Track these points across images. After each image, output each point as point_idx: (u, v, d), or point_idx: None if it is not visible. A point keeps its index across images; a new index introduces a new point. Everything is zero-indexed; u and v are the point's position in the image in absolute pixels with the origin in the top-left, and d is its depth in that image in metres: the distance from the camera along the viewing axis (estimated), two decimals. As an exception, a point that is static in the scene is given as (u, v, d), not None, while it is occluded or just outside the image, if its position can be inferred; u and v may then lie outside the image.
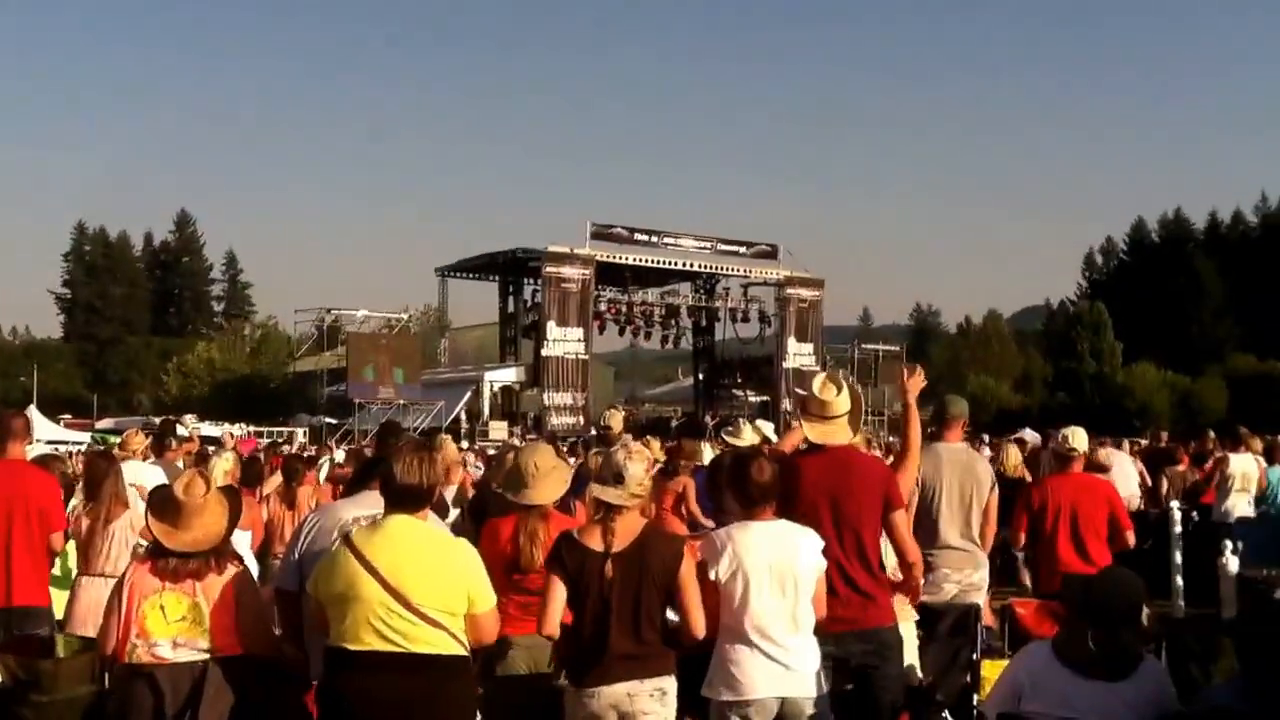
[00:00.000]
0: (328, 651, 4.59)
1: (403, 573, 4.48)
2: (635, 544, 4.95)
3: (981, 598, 7.26)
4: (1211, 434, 18.34)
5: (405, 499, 4.64)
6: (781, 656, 5.04)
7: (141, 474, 9.19)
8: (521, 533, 5.63)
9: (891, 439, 25.12)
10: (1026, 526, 8.16)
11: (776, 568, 5.08)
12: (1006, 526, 8.30)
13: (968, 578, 7.19)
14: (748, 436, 11.85)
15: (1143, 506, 14.84)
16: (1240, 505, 13.74)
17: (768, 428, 11.61)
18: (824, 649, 5.22)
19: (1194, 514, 14.11)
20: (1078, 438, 8.38)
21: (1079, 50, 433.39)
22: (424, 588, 4.50)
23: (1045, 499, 8.11)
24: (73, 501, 7.83)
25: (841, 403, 5.97)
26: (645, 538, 5.01)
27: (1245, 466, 13.95)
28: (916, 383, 6.90)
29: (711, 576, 5.10)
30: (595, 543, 4.95)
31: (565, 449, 22.21)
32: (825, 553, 5.27)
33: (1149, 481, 15.71)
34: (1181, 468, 15.81)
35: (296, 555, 5.50)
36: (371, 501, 5.37)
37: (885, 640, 5.75)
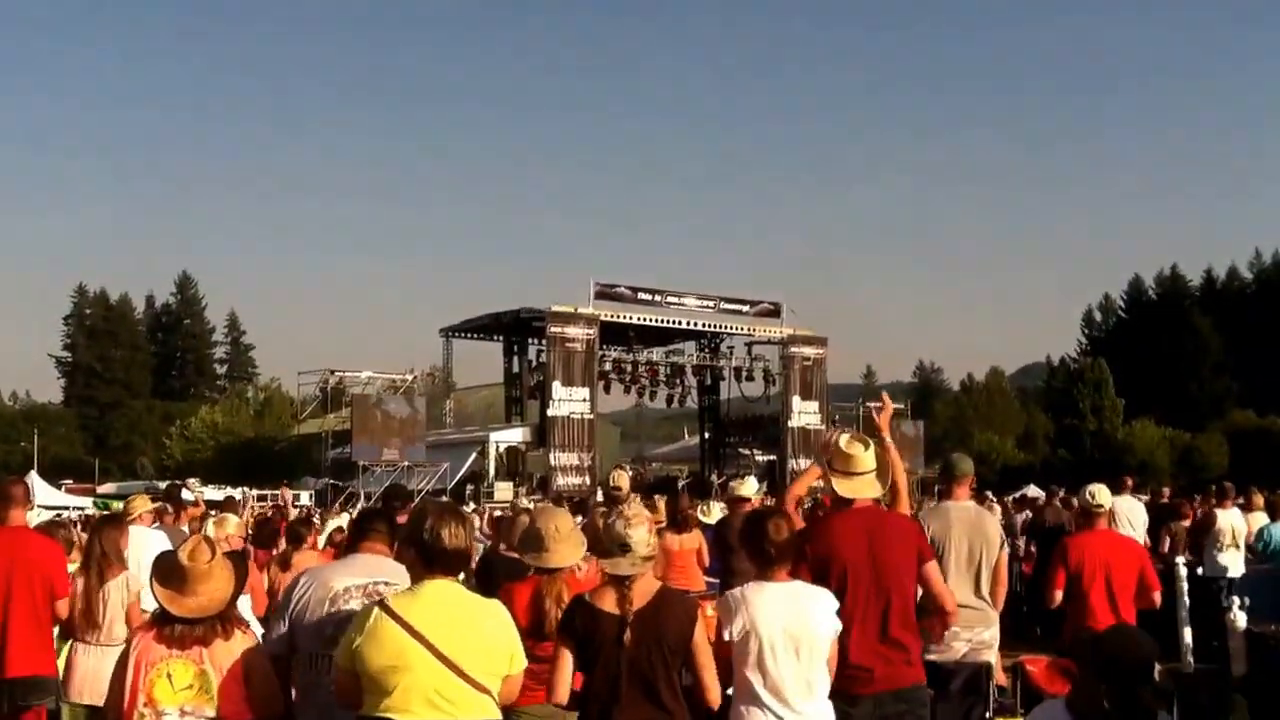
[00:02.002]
0: None
1: (453, 639, 4.39)
2: (650, 606, 4.92)
3: (993, 656, 7.23)
4: (1214, 489, 18.36)
5: (447, 562, 4.56)
6: None
7: (148, 540, 9.16)
8: (547, 597, 5.64)
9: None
10: (1064, 584, 8.14)
11: (791, 630, 5.07)
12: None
13: (978, 635, 7.17)
14: (748, 490, 11.90)
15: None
16: (1235, 561, 13.78)
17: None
18: (861, 709, 5.21)
19: (1199, 570, 14.08)
20: (1103, 494, 8.42)
21: (1075, 111, 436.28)
22: (474, 653, 4.42)
23: (1082, 557, 8.09)
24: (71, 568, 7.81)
25: (869, 459, 6.07)
26: (660, 600, 4.98)
27: (1233, 521, 14.01)
28: (887, 416, 6.98)
29: (725, 637, 5.10)
30: (610, 606, 4.91)
31: (568, 508, 22.13)
32: (863, 611, 5.27)
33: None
34: (1186, 523, 15.77)
35: (286, 621, 5.46)
36: (363, 565, 5.36)
37: (919, 699, 5.79)
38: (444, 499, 15.95)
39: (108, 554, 7.45)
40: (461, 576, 4.80)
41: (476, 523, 19.13)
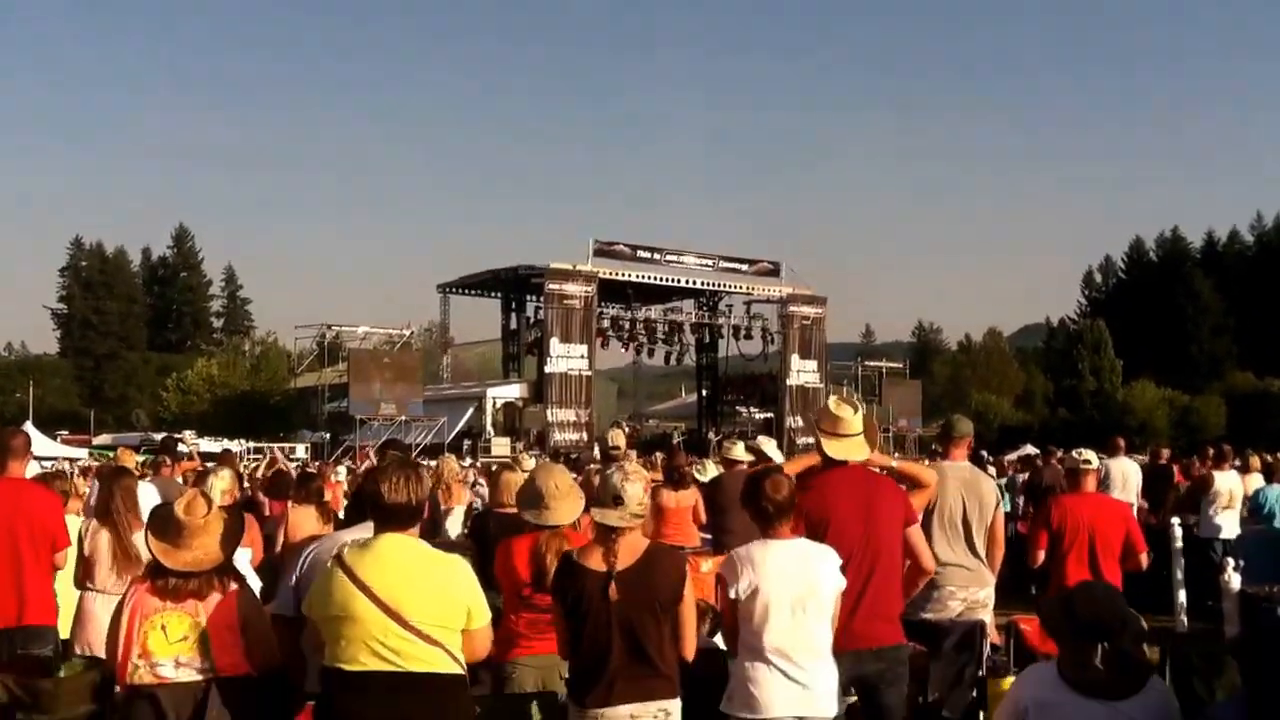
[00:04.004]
0: (324, 673, 4.53)
1: (397, 591, 4.43)
2: (639, 563, 4.94)
3: (987, 615, 7.25)
4: (1211, 451, 18.38)
5: (394, 517, 4.59)
6: (800, 676, 5.05)
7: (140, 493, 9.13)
8: (547, 552, 5.69)
9: (898, 454, 25.16)
10: (1046, 543, 8.19)
11: (796, 587, 5.09)
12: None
13: (973, 595, 7.19)
14: (739, 454, 11.91)
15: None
16: (1229, 522, 13.85)
17: (769, 445, 11.63)
18: (840, 665, 5.23)
19: (1195, 530, 14.13)
20: (1091, 455, 8.52)
21: (1078, 72, 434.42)
22: (419, 605, 4.44)
23: (1064, 517, 8.15)
24: (72, 517, 7.78)
25: (857, 421, 6.11)
26: (650, 557, 5.00)
27: (1230, 483, 14.06)
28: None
29: (731, 595, 5.12)
30: (596, 563, 4.94)
31: (568, 464, 22.21)
32: (852, 569, 5.30)
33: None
34: (1183, 485, 15.80)
35: (293, 581, 5.49)
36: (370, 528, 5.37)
37: (899, 658, 5.81)
38: (446, 454, 16.00)
39: (129, 504, 7.39)
40: (460, 532, 4.81)
41: (472, 478, 19.20)
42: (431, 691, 4.46)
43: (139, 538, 7.20)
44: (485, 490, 14.53)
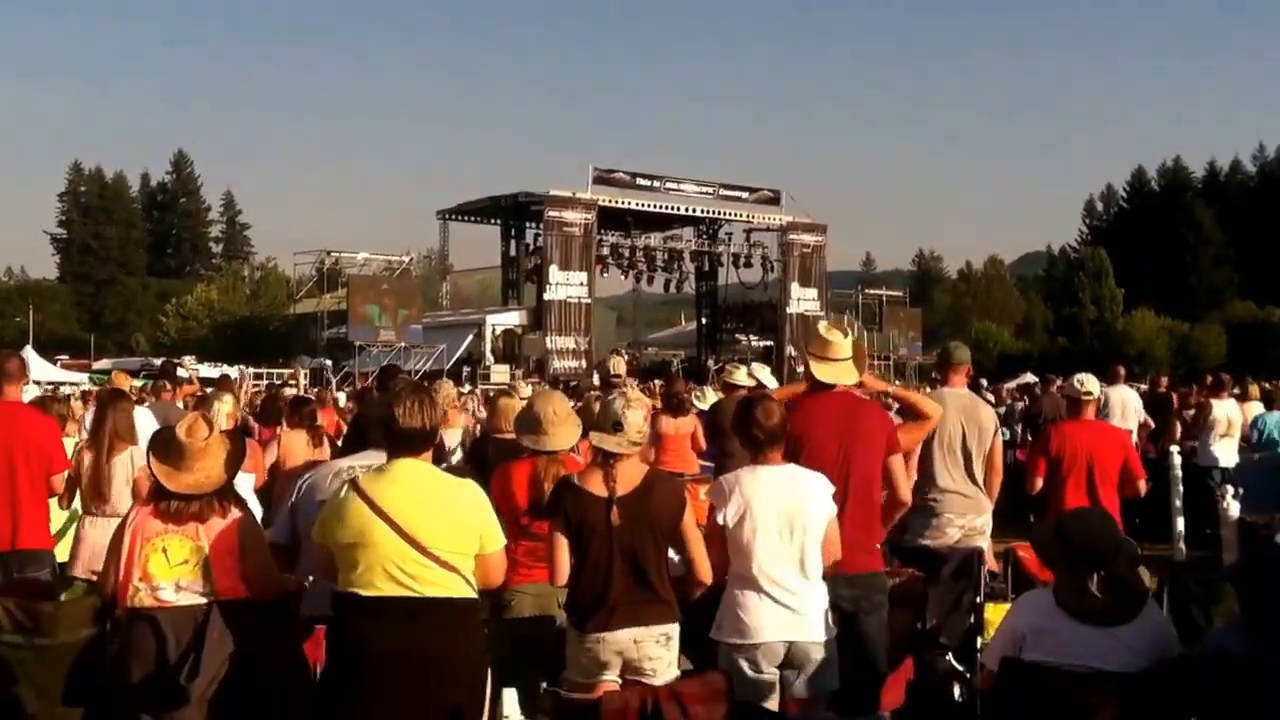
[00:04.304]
0: (338, 598, 4.54)
1: (414, 516, 4.44)
2: (638, 490, 4.96)
3: (985, 542, 7.27)
4: (1210, 380, 18.39)
5: (409, 442, 4.59)
6: (789, 601, 5.06)
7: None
8: (545, 478, 5.70)
9: (898, 381, 25.16)
10: (1044, 471, 8.20)
11: (785, 513, 5.08)
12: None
13: (971, 522, 7.20)
14: (741, 378, 11.89)
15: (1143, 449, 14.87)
16: (1228, 450, 13.87)
17: (763, 372, 11.64)
18: None
19: (1194, 458, 14.17)
20: (1091, 383, 8.51)
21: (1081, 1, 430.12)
22: (436, 530, 4.46)
23: (1063, 445, 8.18)
24: (70, 440, 7.80)
25: (847, 346, 6.09)
26: (648, 483, 5.02)
27: (1229, 412, 14.07)
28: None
29: (720, 521, 5.11)
30: (597, 488, 4.95)
31: (567, 392, 22.20)
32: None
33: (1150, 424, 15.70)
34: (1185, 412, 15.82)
35: (289, 510, 5.50)
36: (370, 461, 5.36)
37: (875, 585, 5.81)
38: (443, 379, 15.97)
39: (119, 428, 7.45)
40: (459, 457, 4.83)
41: (472, 404, 19.20)
42: (446, 616, 4.49)
43: (118, 461, 7.28)
44: (485, 416, 14.52)
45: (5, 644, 5.14)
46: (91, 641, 5.18)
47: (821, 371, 6.04)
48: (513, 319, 48.57)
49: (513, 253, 52.11)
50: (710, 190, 50.69)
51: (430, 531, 4.45)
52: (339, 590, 4.53)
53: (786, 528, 5.07)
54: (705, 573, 5.07)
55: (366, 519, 4.43)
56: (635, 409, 5.06)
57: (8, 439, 6.85)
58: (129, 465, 7.34)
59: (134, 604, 4.75)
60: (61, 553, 7.39)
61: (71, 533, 7.52)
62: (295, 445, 9.68)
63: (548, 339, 44.79)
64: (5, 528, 6.80)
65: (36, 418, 7.24)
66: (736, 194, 51.53)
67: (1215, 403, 14.30)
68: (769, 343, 52.16)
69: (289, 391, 21.78)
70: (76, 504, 7.50)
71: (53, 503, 7.24)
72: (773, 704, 5.01)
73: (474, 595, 4.60)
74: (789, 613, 5.05)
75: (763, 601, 5.05)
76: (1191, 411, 15.69)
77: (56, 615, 5.27)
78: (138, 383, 21.10)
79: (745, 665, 5.04)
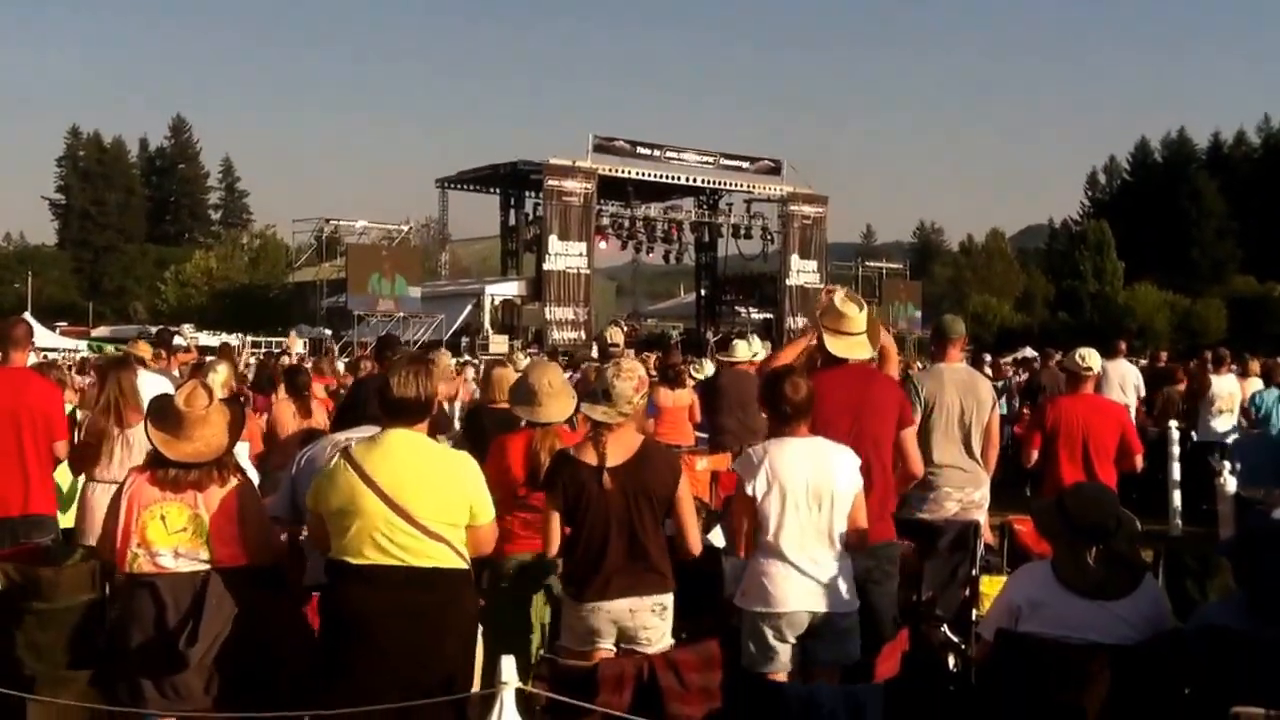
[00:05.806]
0: (329, 565, 4.59)
1: (403, 486, 4.47)
2: (633, 459, 4.98)
3: (982, 515, 7.27)
4: (1209, 355, 18.38)
5: (402, 412, 4.61)
6: (814, 572, 5.10)
7: (148, 383, 9.13)
8: (541, 450, 5.72)
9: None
10: (1040, 444, 8.22)
11: (813, 485, 5.11)
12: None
13: (968, 495, 7.20)
14: (742, 353, 11.89)
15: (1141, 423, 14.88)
16: (1227, 425, 13.92)
17: (757, 345, 11.64)
18: None
19: (1193, 434, 14.19)
20: (1092, 358, 8.48)
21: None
22: (425, 501, 4.48)
23: (1059, 418, 8.19)
24: (70, 408, 7.79)
25: (861, 319, 6.10)
26: (643, 453, 5.04)
27: (1228, 387, 14.08)
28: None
29: (748, 492, 5.13)
30: (590, 458, 4.97)
31: (565, 363, 22.22)
32: None
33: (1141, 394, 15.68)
34: (1180, 388, 15.82)
35: (289, 483, 5.52)
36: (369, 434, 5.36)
37: (889, 555, 5.87)
38: (440, 349, 15.98)
39: (127, 396, 7.38)
40: (458, 429, 4.83)
41: (470, 374, 19.20)
42: (437, 586, 4.52)
43: (136, 431, 7.24)
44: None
45: (6, 608, 5.16)
46: (91, 606, 5.20)
47: (835, 346, 6.05)
48: (512, 289, 48.54)
49: (512, 222, 52.08)
50: (711, 160, 50.59)
51: (419, 502, 4.48)
52: (330, 557, 4.58)
53: (814, 500, 5.10)
54: (695, 544, 5.13)
55: (355, 487, 4.46)
56: (625, 379, 5.07)
57: (14, 404, 6.85)
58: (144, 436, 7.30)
59: (133, 570, 4.76)
60: (67, 519, 7.40)
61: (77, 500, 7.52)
62: (284, 414, 9.71)
63: (547, 309, 44.76)
64: (16, 493, 6.80)
65: (42, 384, 7.23)
66: (737, 164, 51.42)
67: (1215, 378, 14.31)
68: (769, 315, 52.14)
69: (284, 360, 21.77)
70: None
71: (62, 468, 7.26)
72: (789, 674, 5.09)
73: (464, 566, 4.63)
74: (814, 583, 5.09)
75: (789, 572, 5.08)
76: (1180, 387, 15.68)
77: (56, 580, 5.28)
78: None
79: (770, 633, 5.08)
